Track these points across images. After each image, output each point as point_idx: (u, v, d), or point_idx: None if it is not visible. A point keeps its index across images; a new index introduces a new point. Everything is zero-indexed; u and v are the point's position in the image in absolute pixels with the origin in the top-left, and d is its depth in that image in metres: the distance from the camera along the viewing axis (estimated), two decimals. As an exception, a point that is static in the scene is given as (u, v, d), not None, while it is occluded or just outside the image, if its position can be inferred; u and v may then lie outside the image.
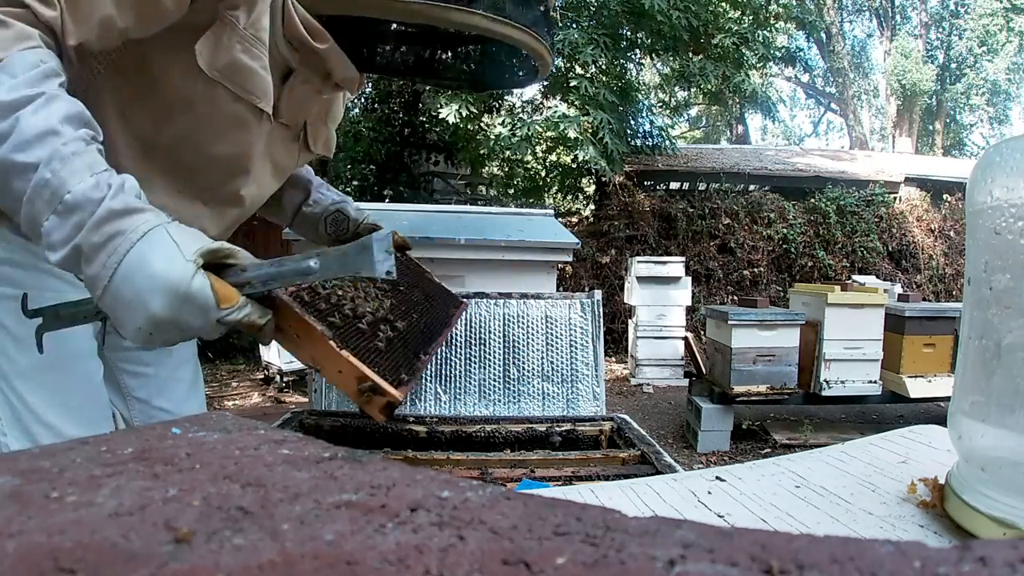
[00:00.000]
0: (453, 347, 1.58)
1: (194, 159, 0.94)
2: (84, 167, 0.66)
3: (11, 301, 0.86)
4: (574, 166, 8.85)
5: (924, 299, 5.73)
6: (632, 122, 8.15)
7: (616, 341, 7.04)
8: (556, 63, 7.68)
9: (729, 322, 3.73)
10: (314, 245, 1.59)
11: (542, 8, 0.99)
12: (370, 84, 9.80)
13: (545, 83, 7.80)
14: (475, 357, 1.58)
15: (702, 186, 8.43)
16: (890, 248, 8.11)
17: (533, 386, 1.55)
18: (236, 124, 0.92)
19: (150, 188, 0.84)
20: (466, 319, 1.60)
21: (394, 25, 1.09)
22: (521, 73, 1.11)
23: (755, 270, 7.79)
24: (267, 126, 0.98)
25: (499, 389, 1.51)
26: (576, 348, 1.59)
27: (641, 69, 10.34)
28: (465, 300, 1.40)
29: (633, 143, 8.19)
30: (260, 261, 0.73)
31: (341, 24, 0.93)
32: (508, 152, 7.41)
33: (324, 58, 0.93)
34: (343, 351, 0.78)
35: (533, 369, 1.56)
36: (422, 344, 1.05)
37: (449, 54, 1.14)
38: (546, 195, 9.57)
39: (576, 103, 6.78)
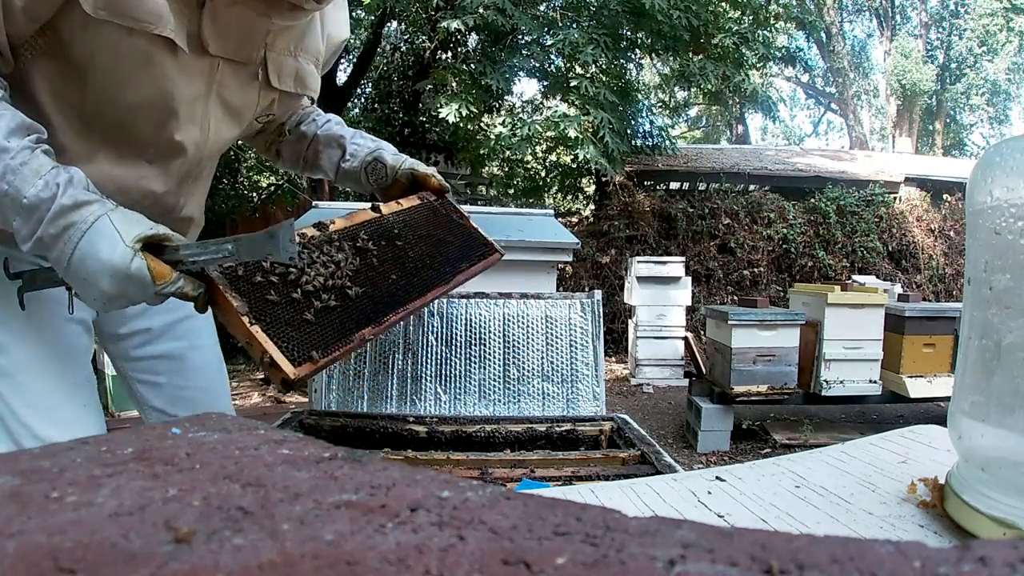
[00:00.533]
0: (453, 347, 1.58)
1: (118, 114, 0.91)
2: (32, 173, 0.77)
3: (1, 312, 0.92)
4: (574, 166, 8.85)
5: (924, 299, 5.73)
6: (632, 122, 8.15)
7: (616, 341, 7.04)
8: (556, 63, 7.71)
9: (729, 322, 3.73)
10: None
11: None
12: (370, 84, 9.81)
13: (545, 83, 7.81)
14: (475, 357, 1.58)
15: (702, 186, 8.44)
16: (890, 248, 8.11)
17: (533, 386, 1.55)
18: (141, 63, 0.87)
19: (96, 161, 0.91)
20: (466, 319, 1.60)
21: None
22: None
23: (755, 270, 7.79)
24: (197, 63, 0.91)
25: (499, 389, 1.51)
26: (576, 348, 1.59)
27: (641, 69, 10.34)
28: (500, 250, 1.30)
29: (633, 143, 8.19)
30: (190, 243, 0.84)
31: None
32: (508, 152, 7.41)
33: None
34: (253, 325, 0.84)
35: (533, 369, 1.56)
36: (380, 310, 1.02)
37: None
38: (546, 195, 9.57)
39: (576, 103, 6.78)
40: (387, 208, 1.18)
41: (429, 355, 1.60)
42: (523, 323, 1.60)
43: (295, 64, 1.05)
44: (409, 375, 1.58)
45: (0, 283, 0.92)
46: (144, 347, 1.17)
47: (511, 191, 9.41)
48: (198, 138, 0.98)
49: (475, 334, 1.59)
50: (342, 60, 8.65)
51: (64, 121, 0.90)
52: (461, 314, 1.60)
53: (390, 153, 1.26)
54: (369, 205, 1.15)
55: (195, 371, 1.22)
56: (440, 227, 1.28)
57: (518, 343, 1.58)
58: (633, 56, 8.39)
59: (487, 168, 9.41)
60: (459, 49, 8.23)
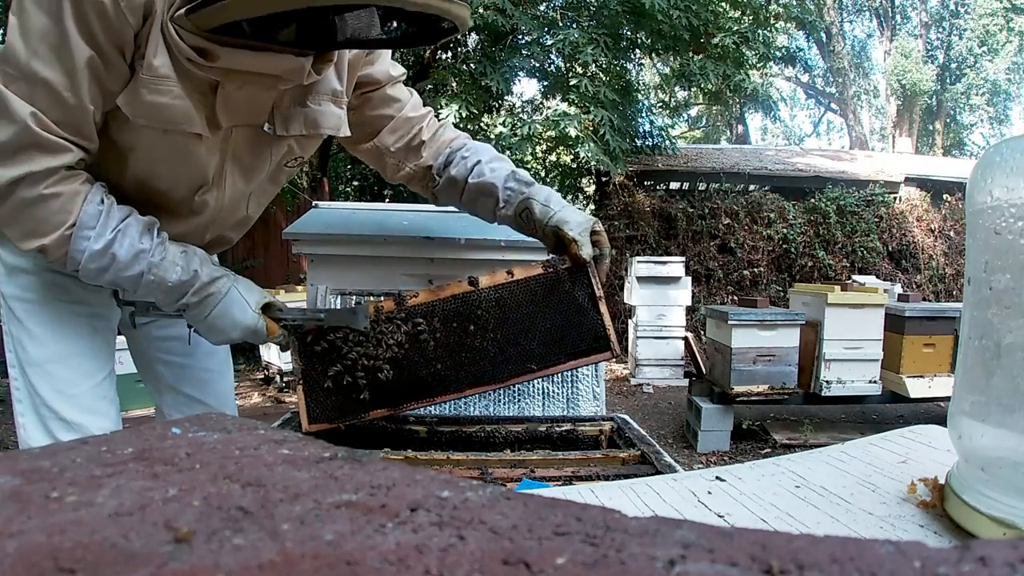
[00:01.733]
0: (453, 347, 1.58)
1: (154, 184, 1.11)
2: (171, 264, 1.05)
3: (28, 303, 1.14)
4: (574, 166, 8.85)
5: (924, 299, 5.73)
6: (632, 121, 8.15)
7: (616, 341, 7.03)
8: (556, 63, 7.70)
9: (729, 322, 3.73)
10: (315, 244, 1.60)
11: None
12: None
13: (545, 83, 7.80)
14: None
15: (702, 186, 8.44)
16: (890, 248, 8.11)
17: (533, 386, 1.55)
18: (176, 152, 1.05)
19: (159, 221, 1.12)
20: (466, 319, 1.60)
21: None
22: (444, 28, 1.05)
23: (755, 270, 7.79)
24: (213, 137, 1.06)
25: (499, 389, 1.51)
26: (576, 348, 1.59)
27: (641, 69, 10.34)
28: (616, 349, 1.27)
29: (633, 143, 8.19)
30: (293, 309, 1.18)
31: (255, 24, 0.93)
32: (508, 152, 7.41)
33: (232, 67, 0.96)
34: (299, 384, 1.17)
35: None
36: (402, 398, 1.17)
37: (364, 19, 1.08)
38: (546, 195, 9.55)
39: (576, 101, 6.78)
40: (489, 280, 1.20)
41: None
42: (523, 323, 1.60)
43: (303, 111, 1.14)
44: (409, 375, 1.58)
45: (43, 288, 1.15)
46: (167, 328, 1.37)
47: (511, 191, 9.39)
48: (218, 197, 1.16)
49: (475, 334, 1.59)
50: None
51: (131, 193, 1.10)
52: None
53: (540, 201, 1.27)
54: (467, 279, 1.22)
55: (207, 355, 1.42)
56: (550, 307, 1.22)
57: (518, 343, 1.58)
58: (633, 56, 8.39)
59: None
60: (459, 49, 8.23)
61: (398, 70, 1.30)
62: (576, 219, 1.27)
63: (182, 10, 0.89)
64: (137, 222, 1.03)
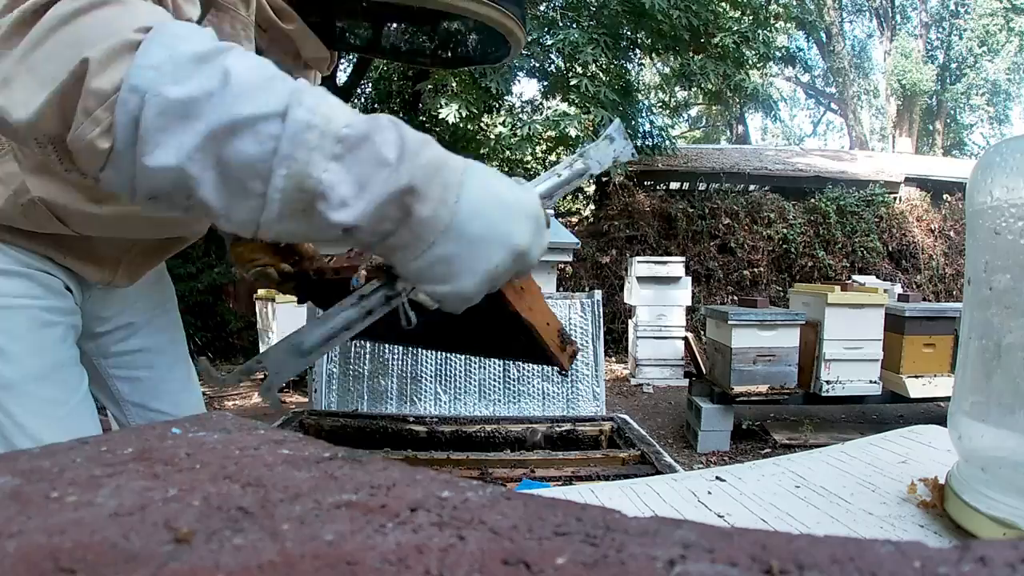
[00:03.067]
0: (453, 347, 1.58)
1: None
2: (339, 104, 0.53)
3: None
4: (574, 166, 8.82)
5: (924, 299, 5.73)
6: (633, 122, 8.15)
7: (616, 341, 7.04)
8: (556, 63, 7.70)
9: (729, 322, 3.73)
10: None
11: None
12: (369, 84, 9.81)
13: (545, 82, 7.80)
14: (475, 357, 1.58)
15: (702, 186, 8.44)
16: (890, 248, 8.11)
17: (533, 386, 1.55)
18: None
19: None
20: (466, 319, 1.60)
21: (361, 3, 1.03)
22: (493, 49, 1.03)
23: (755, 270, 7.79)
24: None
25: (499, 389, 1.51)
26: (576, 348, 1.59)
27: (641, 69, 10.34)
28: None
29: (633, 143, 8.19)
30: (545, 177, 0.71)
31: (309, 4, 0.91)
32: (508, 152, 7.41)
33: (293, 38, 0.90)
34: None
35: (533, 369, 1.56)
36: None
37: (418, 32, 1.08)
38: (546, 195, 9.55)
39: (577, 101, 6.78)
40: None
41: (429, 355, 1.60)
42: (523, 323, 1.60)
43: None
44: (409, 375, 1.58)
45: (16, 295, 0.85)
46: (126, 341, 1.12)
47: (511, 191, 9.40)
48: None
49: (475, 334, 1.59)
50: (343, 60, 8.66)
51: None
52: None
53: None
54: None
55: (170, 366, 1.18)
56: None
57: (518, 343, 1.58)
58: (633, 56, 8.39)
59: (487, 168, 9.40)
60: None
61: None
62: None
63: None
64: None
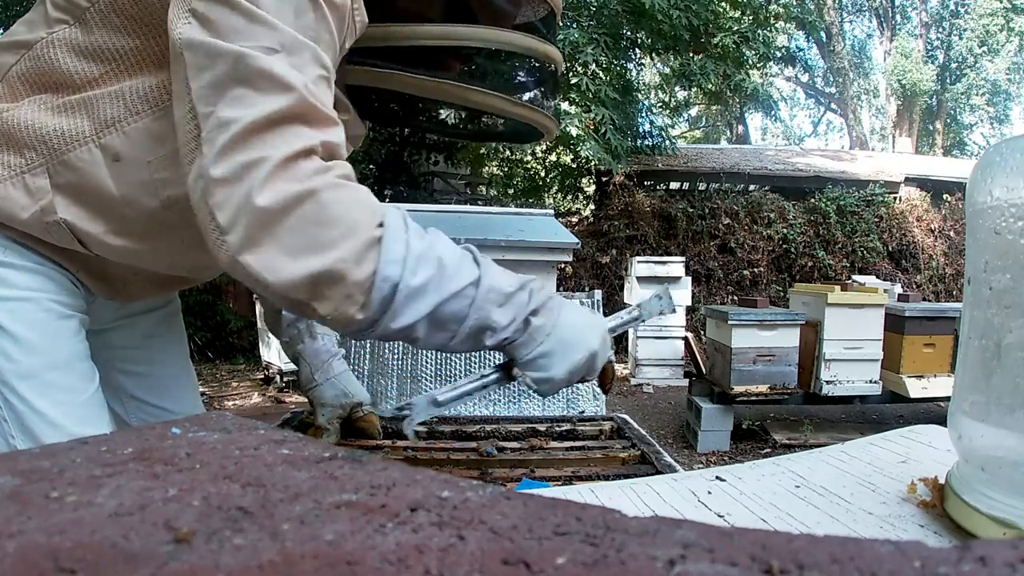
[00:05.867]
0: (453, 347, 1.58)
1: None
2: (499, 271, 0.79)
3: (11, 303, 0.87)
4: (574, 166, 8.84)
5: (924, 299, 5.73)
6: (633, 121, 8.16)
7: (616, 341, 6.99)
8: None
9: (729, 322, 3.73)
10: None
11: (555, 77, 0.98)
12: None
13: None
14: (475, 357, 1.58)
15: (702, 186, 8.44)
16: (890, 248, 8.11)
17: (533, 386, 1.55)
18: None
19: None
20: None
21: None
22: (526, 134, 1.06)
23: (755, 270, 7.79)
24: None
25: (499, 389, 1.51)
26: (576, 348, 1.59)
27: (641, 69, 10.34)
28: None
29: (634, 142, 8.19)
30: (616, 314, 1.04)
31: (360, 92, 0.91)
32: (508, 151, 7.41)
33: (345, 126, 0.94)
34: None
35: (533, 369, 1.55)
36: None
37: (453, 114, 1.11)
38: (546, 195, 9.57)
39: (577, 100, 6.78)
40: None
41: (429, 355, 1.60)
42: (523, 323, 1.60)
43: None
44: (409, 375, 1.58)
45: (24, 283, 0.89)
46: (128, 336, 1.16)
47: (511, 191, 9.41)
48: None
49: (475, 334, 1.59)
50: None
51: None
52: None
53: (308, 359, 1.23)
54: None
55: (170, 363, 1.22)
56: None
57: (518, 343, 1.58)
58: (633, 56, 8.39)
59: (487, 168, 9.40)
60: (459, 49, 8.23)
61: None
62: (334, 401, 1.20)
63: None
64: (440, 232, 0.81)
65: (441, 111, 1.06)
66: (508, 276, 0.80)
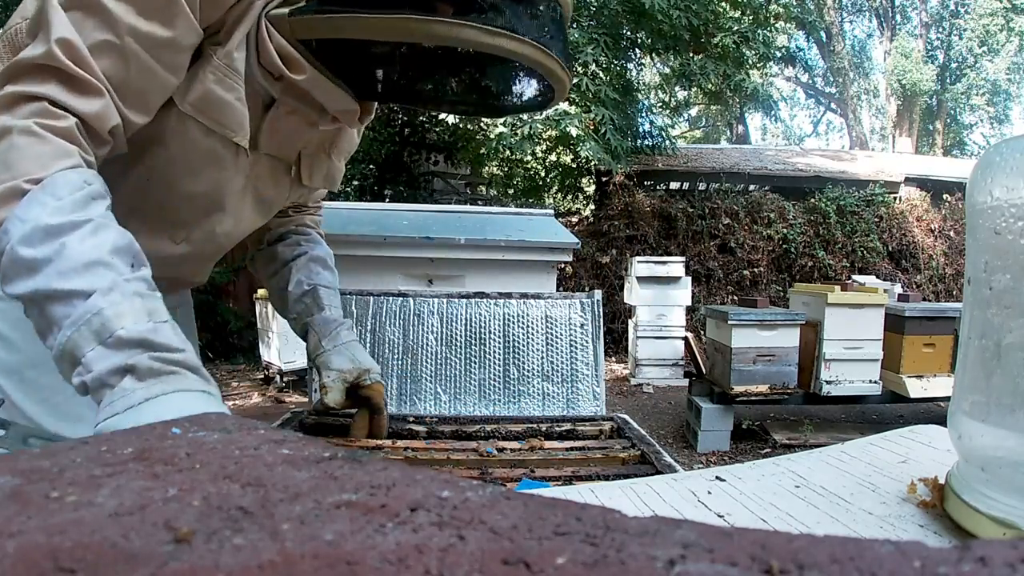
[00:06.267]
0: (453, 347, 1.58)
1: (169, 199, 0.91)
2: (144, 312, 0.66)
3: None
4: (574, 166, 8.85)
5: (924, 299, 5.73)
6: (633, 121, 8.16)
7: (616, 341, 7.04)
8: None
9: (729, 322, 3.73)
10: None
11: (551, 16, 0.85)
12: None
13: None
14: (475, 357, 1.58)
15: (702, 186, 8.44)
16: (890, 248, 8.11)
17: (533, 386, 1.55)
18: (211, 160, 0.89)
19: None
20: (466, 319, 1.60)
21: (400, 49, 0.95)
22: (536, 96, 0.95)
23: (755, 270, 7.79)
24: (245, 159, 0.93)
25: (499, 389, 1.51)
26: (576, 348, 1.59)
27: (641, 69, 10.34)
28: None
29: (634, 142, 8.20)
30: None
31: (338, 52, 0.86)
32: (509, 151, 7.41)
33: (307, 89, 0.87)
34: None
35: (533, 369, 1.56)
36: None
37: (455, 80, 1.00)
38: (546, 195, 9.57)
39: (578, 101, 6.78)
40: None
41: (429, 355, 1.61)
42: (523, 323, 1.60)
43: (329, 164, 1.05)
44: (409, 375, 1.58)
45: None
46: None
47: (511, 191, 9.41)
48: (231, 228, 1.01)
49: (475, 334, 1.59)
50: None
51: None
52: (461, 314, 1.60)
53: (318, 330, 1.20)
54: None
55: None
56: None
57: (518, 343, 1.58)
58: (633, 56, 8.39)
59: (487, 168, 9.41)
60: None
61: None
62: (341, 366, 1.16)
63: (284, 9, 0.80)
64: (120, 236, 0.69)
65: (435, 75, 0.96)
66: (137, 321, 0.65)
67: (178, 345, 0.66)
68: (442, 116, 6.82)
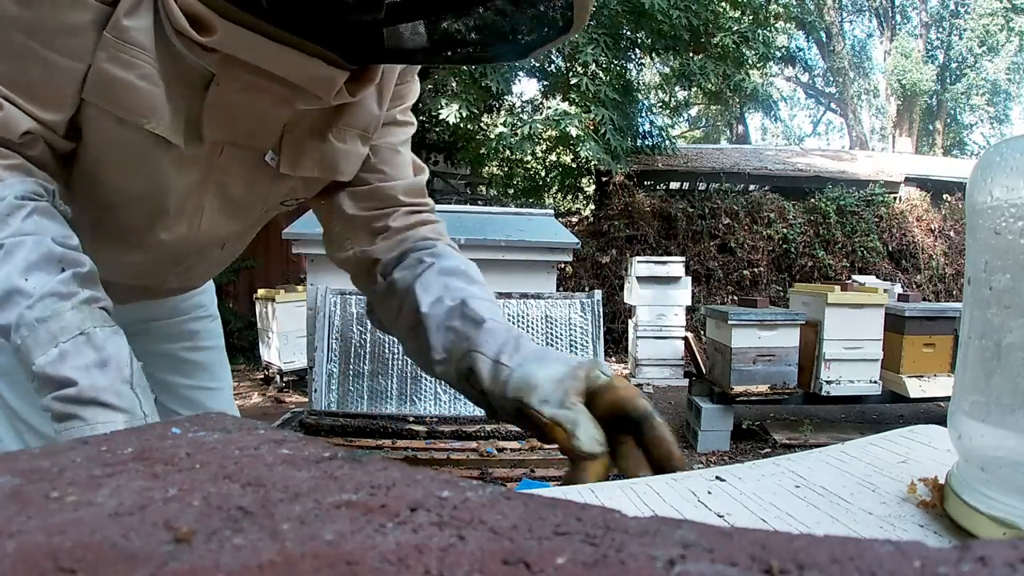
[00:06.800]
0: (453, 347, 1.58)
1: (106, 196, 0.80)
2: (48, 338, 0.61)
3: None
4: (574, 166, 8.85)
5: (924, 299, 5.73)
6: (633, 121, 8.16)
7: (616, 341, 7.04)
8: (557, 62, 7.70)
9: (729, 322, 3.73)
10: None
11: None
12: (370, 84, 9.78)
13: (545, 82, 7.80)
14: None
15: (702, 186, 8.44)
16: (890, 248, 8.11)
17: (533, 386, 1.55)
18: (135, 155, 0.74)
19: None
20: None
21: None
22: (545, 28, 0.66)
23: (755, 270, 7.79)
24: (198, 152, 0.75)
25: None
26: (576, 348, 1.59)
27: (641, 69, 10.35)
28: None
29: (634, 142, 8.20)
30: None
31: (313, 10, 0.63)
32: (509, 151, 7.42)
33: (231, 53, 0.66)
34: None
35: (533, 369, 1.56)
36: None
37: (456, 18, 0.70)
38: (546, 195, 9.57)
39: (577, 101, 6.79)
40: None
41: (429, 355, 1.60)
42: (523, 323, 1.60)
43: (322, 147, 0.81)
44: (409, 375, 1.58)
45: None
46: (158, 344, 1.13)
47: (511, 191, 9.41)
48: (185, 234, 0.84)
49: (475, 334, 1.59)
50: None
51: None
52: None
53: (490, 354, 0.75)
54: None
55: (201, 373, 1.21)
56: None
57: (518, 343, 1.58)
58: (633, 56, 8.39)
59: (487, 168, 9.41)
60: (459, 49, 8.23)
61: (409, 124, 0.93)
62: (553, 373, 0.70)
63: None
64: (36, 247, 0.64)
65: (431, 13, 0.68)
66: (51, 358, 0.61)
67: (71, 376, 0.60)
68: (442, 116, 6.81)
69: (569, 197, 9.89)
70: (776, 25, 8.34)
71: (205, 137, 0.74)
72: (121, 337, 0.66)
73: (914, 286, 7.82)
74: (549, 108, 7.60)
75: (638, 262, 5.70)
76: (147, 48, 0.67)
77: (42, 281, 0.63)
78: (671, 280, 5.62)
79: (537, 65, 7.55)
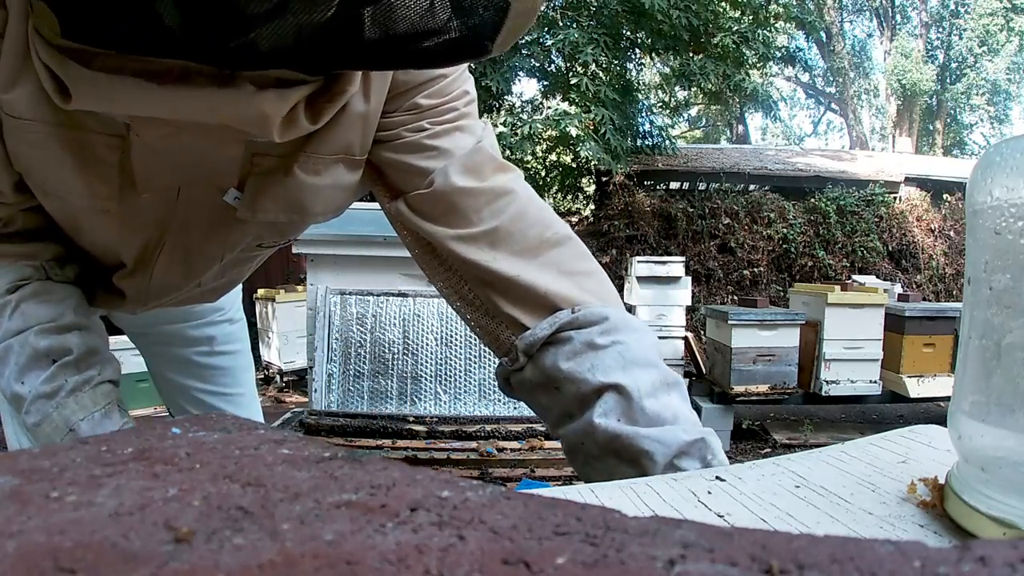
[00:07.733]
0: (453, 347, 1.58)
1: (93, 251, 0.79)
2: (45, 441, 0.63)
3: None
4: (574, 166, 8.84)
5: (924, 299, 5.73)
6: (633, 120, 8.16)
7: (616, 341, 7.02)
8: (556, 63, 7.69)
9: (729, 322, 3.73)
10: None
11: None
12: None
13: (545, 82, 7.79)
14: (475, 357, 1.58)
15: (702, 186, 8.43)
16: (890, 248, 8.10)
17: (533, 386, 1.55)
18: (77, 219, 0.70)
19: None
20: (466, 319, 1.61)
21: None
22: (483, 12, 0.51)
23: (755, 270, 7.79)
24: (133, 203, 0.66)
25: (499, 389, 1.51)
26: (576, 348, 1.59)
27: (641, 69, 10.34)
28: None
29: (634, 142, 8.20)
30: None
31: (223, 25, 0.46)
32: (509, 151, 7.41)
33: (89, 109, 0.55)
34: None
35: (533, 369, 1.56)
36: None
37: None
38: (546, 195, 9.56)
39: (577, 101, 6.78)
40: None
41: (429, 355, 1.61)
42: (523, 323, 1.60)
43: (283, 182, 0.67)
44: (409, 375, 1.58)
45: None
46: (181, 349, 1.18)
47: (511, 191, 9.39)
48: (139, 285, 0.80)
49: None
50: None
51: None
52: (461, 314, 1.60)
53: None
54: None
55: (222, 377, 1.24)
56: None
57: (518, 343, 1.58)
58: (633, 56, 8.39)
59: (487, 168, 9.39)
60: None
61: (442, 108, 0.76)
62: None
63: None
64: (30, 349, 0.63)
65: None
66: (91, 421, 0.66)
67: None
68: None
69: (569, 197, 9.88)
70: (776, 25, 8.33)
71: (141, 189, 0.65)
72: (110, 418, 0.68)
73: (914, 286, 7.82)
74: (549, 108, 7.60)
75: (638, 262, 5.69)
76: (37, 116, 0.58)
77: (34, 383, 0.65)
78: (671, 280, 5.61)
79: (537, 65, 7.55)
